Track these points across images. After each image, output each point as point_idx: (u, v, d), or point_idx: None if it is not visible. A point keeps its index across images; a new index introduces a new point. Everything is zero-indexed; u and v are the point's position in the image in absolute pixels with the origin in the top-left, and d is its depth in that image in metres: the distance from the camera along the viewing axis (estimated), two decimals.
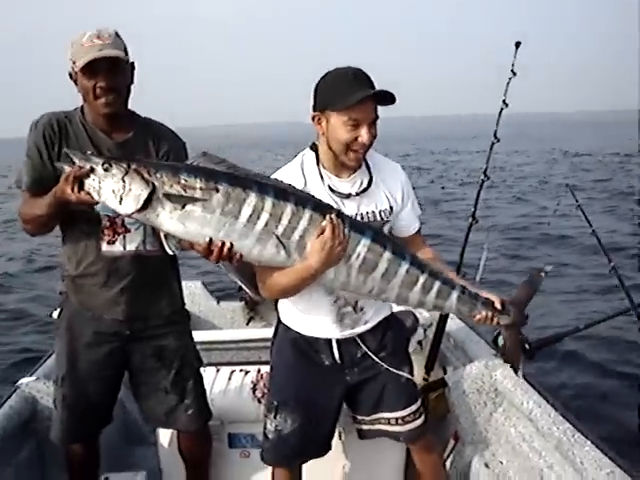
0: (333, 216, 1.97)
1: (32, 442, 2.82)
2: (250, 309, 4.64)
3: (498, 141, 3.65)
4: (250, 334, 3.90)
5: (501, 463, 2.82)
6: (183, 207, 1.86)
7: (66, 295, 2.51)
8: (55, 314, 2.58)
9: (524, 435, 2.74)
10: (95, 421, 2.60)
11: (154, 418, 2.66)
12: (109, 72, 2.25)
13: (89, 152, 2.13)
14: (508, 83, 3.53)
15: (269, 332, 3.03)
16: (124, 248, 2.40)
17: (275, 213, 1.91)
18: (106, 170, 1.88)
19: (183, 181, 1.86)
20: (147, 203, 1.86)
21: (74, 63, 2.26)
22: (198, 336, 3.71)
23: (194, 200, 1.85)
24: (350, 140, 2.12)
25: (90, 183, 1.91)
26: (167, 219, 1.88)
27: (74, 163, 1.94)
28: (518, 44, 3.44)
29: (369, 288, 2.10)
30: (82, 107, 2.40)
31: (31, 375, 3.04)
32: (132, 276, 2.42)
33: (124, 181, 1.86)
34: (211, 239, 1.89)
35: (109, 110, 2.30)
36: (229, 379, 3.14)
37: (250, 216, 1.89)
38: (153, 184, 1.86)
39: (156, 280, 2.50)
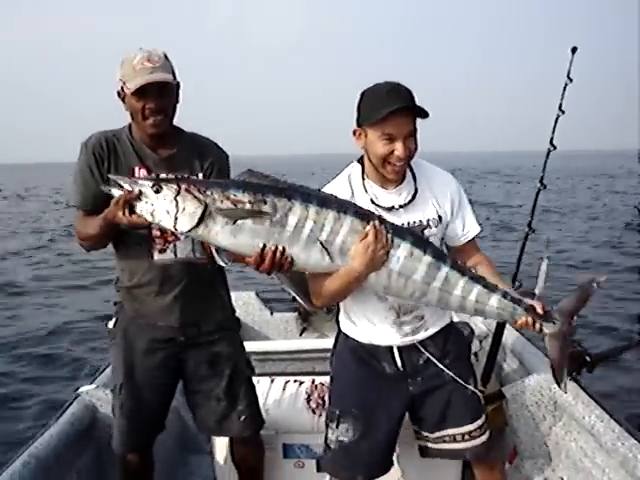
0: (376, 222, 2.02)
1: (92, 449, 2.89)
2: (303, 320, 4.65)
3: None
4: (304, 345, 3.91)
5: (562, 479, 2.74)
6: (235, 222, 1.92)
7: (121, 305, 2.57)
8: (111, 324, 2.64)
9: (586, 450, 2.65)
10: (150, 428, 2.65)
11: (207, 426, 2.69)
12: (158, 95, 2.31)
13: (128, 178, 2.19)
14: (563, 92, 3.40)
15: (323, 343, 3.03)
16: (175, 256, 2.45)
17: (318, 220, 1.97)
18: (157, 192, 1.94)
19: (232, 196, 1.92)
20: (200, 220, 1.92)
21: (124, 84, 2.33)
22: (252, 346, 3.75)
23: (245, 213, 1.91)
24: (386, 154, 2.14)
25: (142, 206, 1.97)
26: (219, 234, 1.94)
27: (122, 186, 1.99)
28: (574, 49, 3.35)
29: (410, 291, 2.10)
30: (130, 125, 2.47)
31: (91, 383, 3.11)
32: (184, 283, 2.47)
33: (177, 201, 1.92)
34: (264, 246, 1.95)
35: (156, 130, 2.37)
36: (283, 389, 3.15)
37: (296, 224, 1.95)
38: (205, 202, 1.91)
39: (207, 286, 2.55)
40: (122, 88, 2.35)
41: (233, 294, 4.18)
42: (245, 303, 4.67)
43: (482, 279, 2.15)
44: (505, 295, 2.15)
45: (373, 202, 2.23)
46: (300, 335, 4.62)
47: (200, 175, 2.48)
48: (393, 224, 2.11)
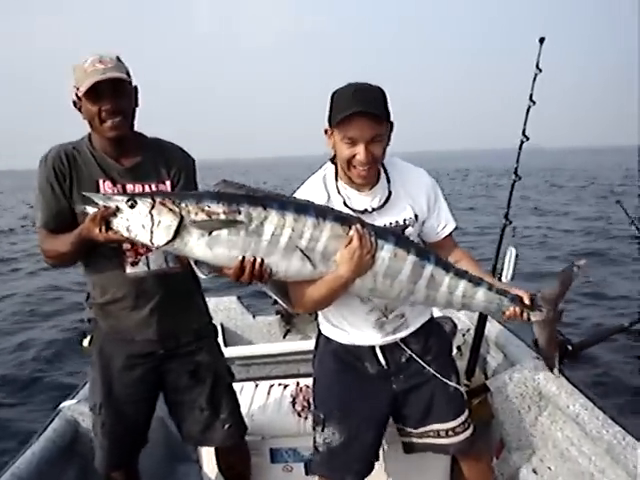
0: (358, 226, 1.99)
1: (76, 465, 2.84)
2: (286, 322, 4.64)
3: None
4: (287, 347, 3.90)
5: (549, 469, 2.75)
6: (210, 233, 1.89)
7: (95, 322, 2.51)
8: (86, 342, 2.56)
9: (572, 439, 2.67)
10: (134, 445, 2.61)
11: (191, 437, 2.64)
12: (113, 95, 2.25)
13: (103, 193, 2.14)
14: (533, 83, 3.42)
15: (306, 344, 3.01)
16: (148, 268, 2.40)
17: (297, 227, 1.94)
18: (132, 207, 1.90)
19: (207, 207, 1.89)
20: (176, 233, 1.89)
21: (77, 89, 2.26)
22: (235, 351, 3.72)
23: (219, 224, 1.88)
24: (349, 157, 2.11)
25: (118, 222, 1.94)
26: (196, 246, 1.91)
27: (95, 203, 1.95)
28: (542, 40, 3.37)
29: (396, 292, 2.09)
30: (89, 135, 2.40)
31: (72, 398, 3.06)
32: (160, 295, 2.42)
33: (152, 215, 1.89)
34: (243, 258, 1.91)
35: (116, 133, 2.30)
36: (268, 393, 3.13)
37: (273, 233, 1.92)
38: (180, 214, 1.89)
39: (183, 296, 2.50)
40: (77, 95, 2.28)
41: (214, 300, 4.14)
42: (226, 308, 4.64)
43: (466, 273, 2.15)
44: (490, 287, 2.16)
45: (346, 204, 2.21)
46: (284, 337, 4.60)
47: (167, 182, 2.42)
48: (374, 226, 2.09)
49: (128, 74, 2.33)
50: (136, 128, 2.44)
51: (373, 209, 2.22)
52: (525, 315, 2.18)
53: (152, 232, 1.89)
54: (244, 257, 1.92)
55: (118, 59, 2.31)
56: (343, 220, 2.01)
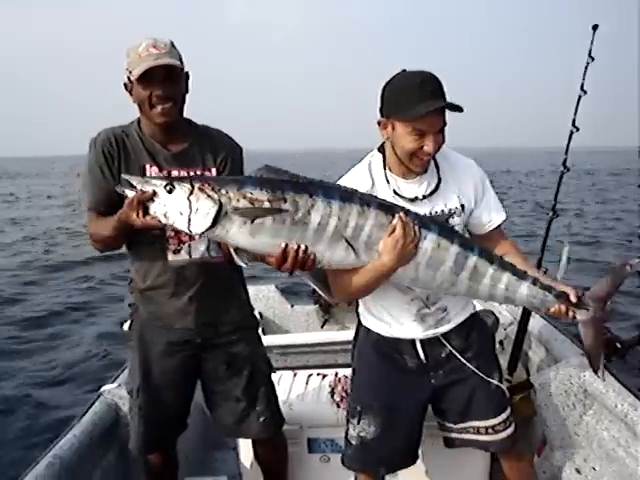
0: (402, 214, 1.95)
1: (116, 447, 2.88)
2: (324, 312, 4.62)
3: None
4: (326, 337, 3.87)
5: (594, 469, 2.67)
6: (253, 221, 1.84)
7: (136, 307, 2.52)
8: (126, 326, 2.60)
9: (619, 440, 2.58)
10: (170, 430, 2.62)
11: (225, 427, 2.64)
12: (165, 81, 2.24)
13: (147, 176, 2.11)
14: (585, 72, 3.31)
15: (345, 335, 2.98)
16: (190, 256, 2.38)
17: (342, 216, 1.89)
18: (170, 192, 1.87)
19: (249, 194, 1.84)
20: (216, 220, 1.84)
21: (130, 72, 2.26)
22: (273, 340, 3.72)
23: (264, 212, 1.83)
24: (415, 149, 2.07)
25: (155, 207, 1.90)
26: (237, 234, 1.87)
27: (134, 187, 1.93)
28: (595, 27, 3.26)
29: (438, 282, 2.05)
30: (139, 119, 2.40)
31: (113, 382, 3.10)
32: (200, 284, 2.41)
33: (190, 201, 1.85)
34: (287, 245, 1.87)
35: (165, 119, 2.29)
36: (306, 383, 3.12)
37: (320, 222, 1.88)
38: (220, 201, 1.84)
39: (224, 286, 2.48)
40: (128, 78, 2.28)
41: (253, 288, 4.14)
42: (265, 297, 4.65)
43: (511, 266, 2.09)
44: (535, 282, 2.09)
45: (396, 193, 2.17)
46: (322, 327, 4.59)
47: (213, 170, 2.41)
48: (417, 214, 2.05)
49: (181, 60, 2.32)
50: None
51: (424, 196, 2.19)
52: (571, 313, 2.09)
53: (190, 219, 1.85)
54: (287, 245, 1.88)
55: (172, 44, 2.30)
56: (387, 208, 1.97)
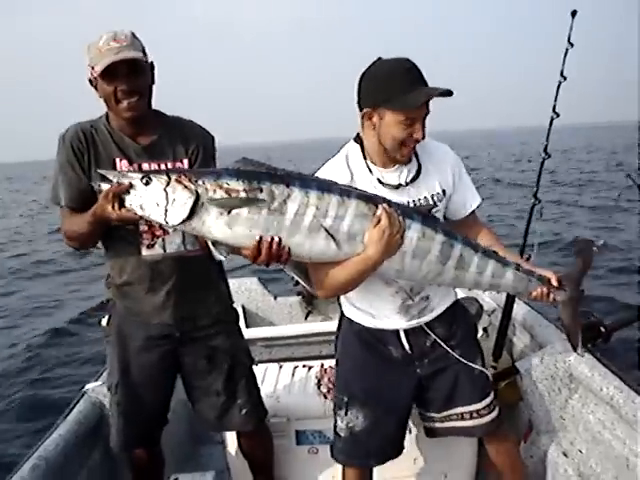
0: (385, 205, 1.91)
1: (101, 446, 2.84)
2: (307, 303, 4.60)
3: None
4: (310, 328, 3.85)
5: (580, 452, 2.69)
6: (229, 212, 1.82)
7: (113, 302, 2.49)
8: (104, 321, 2.56)
9: (604, 422, 2.60)
10: (151, 425, 2.59)
11: (207, 421, 2.62)
12: (129, 74, 2.19)
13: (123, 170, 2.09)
14: (564, 58, 3.30)
15: (329, 326, 2.96)
16: (164, 250, 2.35)
17: (321, 205, 1.86)
18: (146, 184, 1.84)
19: (226, 185, 1.81)
20: (193, 211, 1.81)
21: (92, 69, 2.21)
22: (257, 332, 3.70)
23: (240, 202, 1.81)
24: (405, 138, 2.05)
25: (131, 199, 1.88)
26: (214, 225, 1.84)
27: (110, 181, 1.91)
28: (574, 13, 3.25)
29: (424, 273, 2.03)
30: (107, 114, 2.36)
31: (96, 380, 3.05)
32: (176, 278, 2.38)
33: (167, 192, 1.82)
34: (261, 238, 1.84)
35: (132, 114, 2.25)
36: (292, 375, 3.10)
37: (297, 212, 1.84)
38: (197, 191, 1.81)
39: (201, 280, 2.45)
40: (92, 74, 2.23)
41: (235, 281, 4.11)
42: (248, 289, 4.62)
43: (494, 253, 2.10)
44: (518, 268, 2.12)
45: (380, 182, 2.15)
46: (305, 319, 4.57)
47: (185, 161, 2.37)
48: (399, 204, 2.02)
49: (144, 51, 2.27)
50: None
51: (407, 183, 2.17)
52: (551, 296, 2.16)
53: (166, 210, 1.82)
54: (261, 237, 1.84)
55: (133, 35, 2.25)
56: (368, 198, 1.94)
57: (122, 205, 1.91)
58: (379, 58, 2.07)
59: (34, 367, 6.52)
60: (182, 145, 2.39)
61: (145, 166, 2.32)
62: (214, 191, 1.81)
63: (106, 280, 2.51)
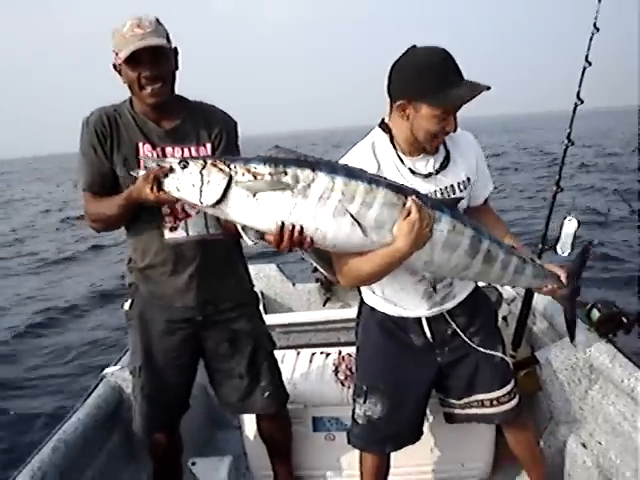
0: (414, 197, 1.88)
1: (121, 430, 2.87)
2: (326, 290, 4.60)
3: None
4: (328, 315, 3.85)
5: (600, 443, 2.67)
6: (254, 194, 1.84)
7: (135, 286, 2.50)
8: (126, 305, 2.58)
9: (625, 414, 2.57)
10: (174, 409, 2.61)
11: (230, 404, 2.64)
12: (153, 61, 2.20)
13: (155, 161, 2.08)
14: (590, 43, 3.22)
15: (347, 313, 2.95)
16: (187, 234, 2.36)
17: (347, 191, 1.84)
18: (184, 167, 1.89)
19: (253, 169, 1.84)
20: (225, 193, 1.85)
21: (117, 55, 2.22)
22: (275, 319, 3.70)
23: (264, 185, 1.83)
24: (439, 130, 2.04)
25: (169, 181, 1.93)
26: (241, 208, 1.86)
27: (149, 165, 1.97)
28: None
29: (452, 265, 2.01)
30: (130, 98, 2.37)
31: (116, 364, 3.08)
32: (199, 261, 2.39)
33: (202, 174, 1.86)
34: (283, 224, 1.84)
35: (156, 100, 2.27)
36: (310, 362, 3.10)
37: (321, 196, 1.83)
38: (230, 174, 1.85)
39: (223, 263, 2.46)
40: (116, 60, 2.25)
41: (254, 267, 4.12)
42: (266, 276, 4.62)
43: (514, 249, 2.12)
44: (534, 265, 2.16)
45: (412, 171, 2.13)
46: (323, 305, 4.57)
47: (208, 145, 2.39)
48: (428, 196, 2.00)
49: (168, 37, 2.28)
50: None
51: (436, 171, 2.16)
52: (558, 291, 2.26)
53: (201, 191, 1.86)
54: (283, 224, 1.84)
55: (157, 22, 2.25)
56: (398, 189, 1.90)
57: (160, 188, 1.95)
58: (413, 46, 2.03)
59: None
60: (205, 129, 2.40)
61: (168, 150, 2.34)
62: (243, 174, 1.85)
63: (127, 264, 2.52)
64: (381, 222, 1.87)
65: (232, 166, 1.86)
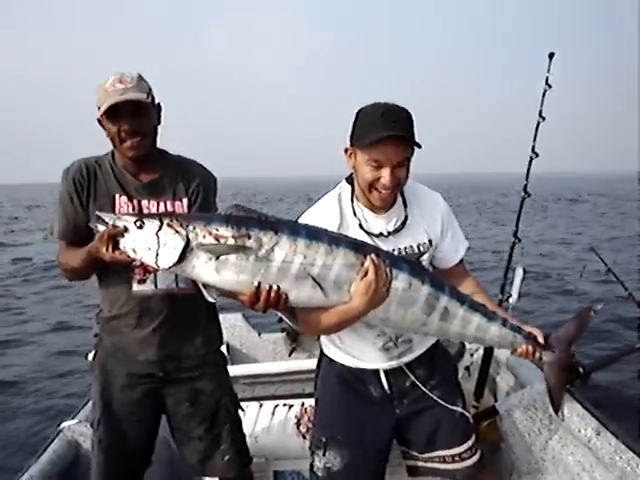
0: (373, 256, 1.91)
1: None
2: (292, 340, 4.58)
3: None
4: (293, 366, 3.84)
5: None
6: (218, 257, 1.85)
7: (100, 337, 2.49)
8: (90, 356, 2.56)
9: (584, 464, 2.59)
10: (132, 464, 2.54)
11: (190, 465, 2.58)
12: (133, 115, 2.25)
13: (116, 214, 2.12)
14: (542, 99, 3.38)
15: (313, 363, 2.94)
16: (155, 287, 2.37)
17: (309, 254, 1.87)
18: (139, 227, 1.89)
19: (215, 231, 1.85)
20: (183, 256, 1.85)
21: (99, 109, 2.27)
22: (240, 370, 3.67)
23: (227, 249, 1.84)
24: (373, 180, 2.05)
25: (125, 242, 1.93)
26: (203, 270, 1.87)
27: (106, 222, 1.96)
28: (552, 55, 3.34)
29: (409, 322, 2.04)
30: (113, 151, 2.41)
31: (73, 418, 3.01)
32: (164, 315, 2.38)
33: (158, 236, 1.87)
34: (259, 284, 1.86)
35: (135, 153, 2.30)
36: (272, 414, 3.08)
37: (284, 259, 1.86)
38: (187, 236, 1.85)
39: (190, 319, 2.44)
40: (99, 114, 2.28)
41: (220, 317, 4.10)
42: (232, 325, 4.60)
43: (481, 307, 2.10)
44: (505, 323, 2.12)
45: (361, 227, 2.16)
46: (289, 355, 4.55)
47: (185, 200, 2.40)
48: (388, 253, 2.03)
49: (150, 93, 2.32)
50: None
51: (389, 233, 2.17)
52: (537, 354, 2.15)
53: (157, 254, 1.87)
54: (260, 284, 1.86)
55: (140, 78, 2.30)
56: (357, 248, 1.94)
57: (116, 247, 1.95)
58: (374, 103, 2.07)
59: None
60: (182, 184, 2.42)
61: (144, 203, 2.36)
62: (204, 236, 1.85)
63: (96, 315, 2.51)
64: (340, 283, 1.91)
65: (190, 227, 1.86)
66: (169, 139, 2.53)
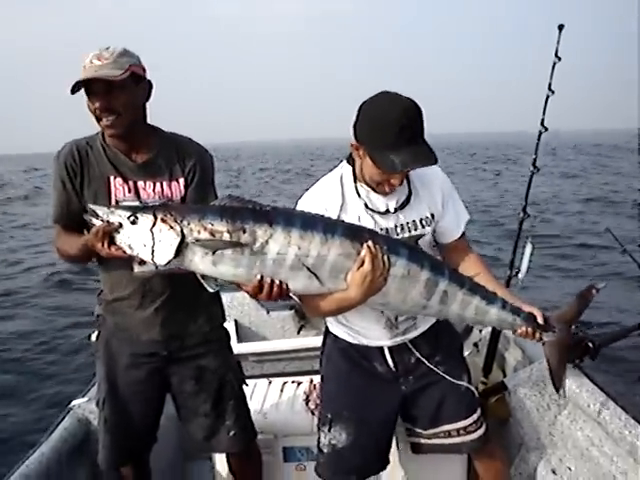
0: (370, 243, 1.89)
1: (87, 465, 2.81)
2: (300, 317, 4.59)
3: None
4: (301, 343, 3.84)
5: (569, 469, 2.68)
6: (214, 252, 1.84)
7: (103, 318, 2.49)
8: (93, 337, 2.57)
9: (592, 439, 2.59)
10: (138, 442, 2.57)
11: (196, 442, 2.60)
12: (105, 93, 2.17)
13: (112, 206, 2.10)
14: (552, 72, 3.33)
15: (321, 340, 2.96)
16: (156, 267, 2.36)
17: (303, 245, 1.86)
18: (133, 223, 1.87)
19: (210, 225, 1.84)
20: (179, 251, 1.85)
21: None
22: (249, 347, 3.69)
23: (223, 244, 1.83)
24: (381, 181, 2.06)
25: (120, 238, 1.92)
26: (200, 264, 1.87)
27: (99, 217, 1.94)
28: (561, 27, 3.28)
29: (408, 306, 2.04)
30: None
31: (83, 396, 3.03)
32: (166, 295, 2.37)
33: (153, 233, 1.85)
34: (262, 277, 1.86)
35: (112, 131, 2.24)
36: (281, 391, 3.09)
37: (278, 252, 1.86)
38: (182, 232, 1.84)
39: (191, 298, 2.42)
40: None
41: (227, 295, 4.11)
42: (240, 304, 4.60)
43: (481, 289, 2.08)
44: (504, 305, 2.10)
45: (367, 206, 2.14)
46: (298, 333, 4.56)
47: (181, 180, 2.35)
48: (386, 238, 2.01)
49: (129, 69, 2.19)
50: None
51: (395, 209, 2.16)
52: (537, 335, 2.12)
53: (153, 250, 1.86)
54: (262, 277, 1.86)
55: (122, 54, 2.20)
56: (353, 236, 1.92)
57: (112, 242, 1.94)
58: (385, 91, 2.01)
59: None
60: (179, 163, 2.36)
61: (140, 184, 2.31)
62: (198, 232, 1.84)
63: (98, 296, 2.51)
64: (336, 272, 1.91)
65: (185, 222, 1.84)
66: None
